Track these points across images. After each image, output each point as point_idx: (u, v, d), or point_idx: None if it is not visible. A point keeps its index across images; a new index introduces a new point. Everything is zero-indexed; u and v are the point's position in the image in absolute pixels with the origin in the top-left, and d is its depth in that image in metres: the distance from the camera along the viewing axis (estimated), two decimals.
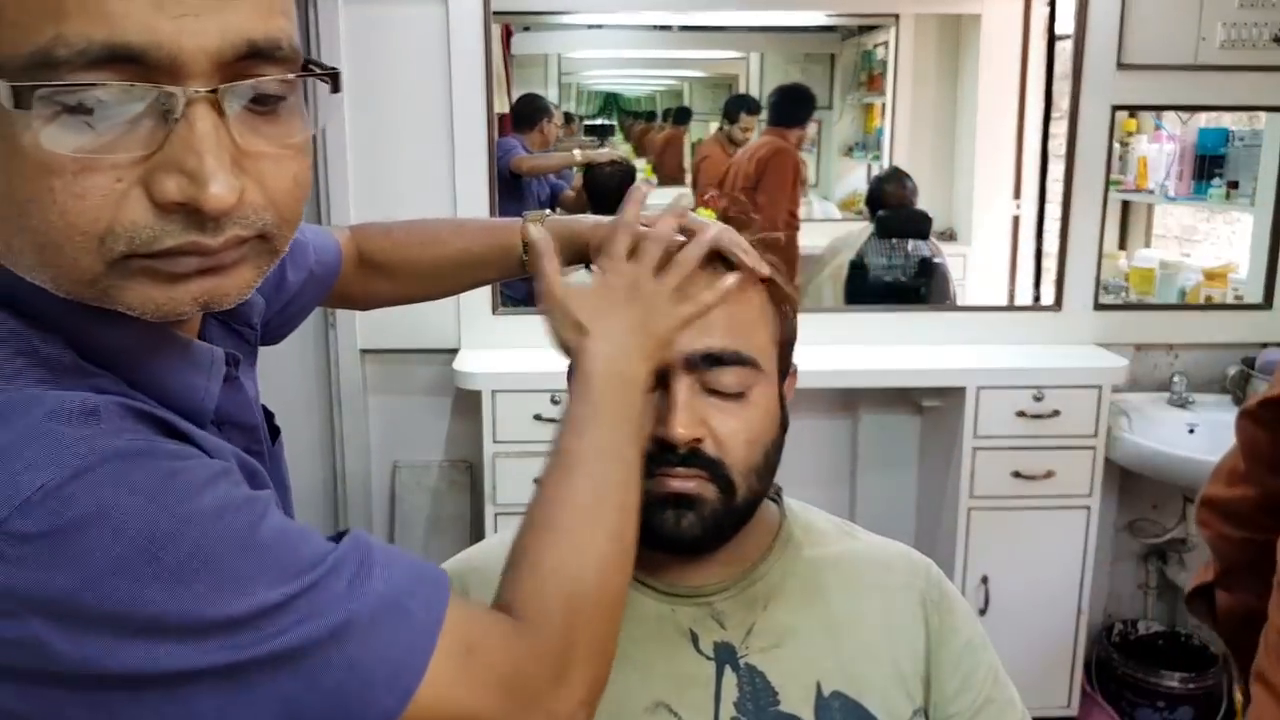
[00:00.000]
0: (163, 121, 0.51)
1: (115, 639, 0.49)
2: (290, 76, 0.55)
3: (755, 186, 3.04)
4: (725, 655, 0.84)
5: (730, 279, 0.80)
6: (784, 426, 0.86)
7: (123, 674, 0.49)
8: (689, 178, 3.44)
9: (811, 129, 3.45)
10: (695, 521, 0.80)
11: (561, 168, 3.13)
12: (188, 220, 0.52)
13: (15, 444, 0.50)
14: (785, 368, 0.87)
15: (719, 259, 0.82)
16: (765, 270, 0.83)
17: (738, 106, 3.31)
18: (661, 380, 0.79)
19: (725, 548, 0.85)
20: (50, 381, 0.54)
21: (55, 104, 0.49)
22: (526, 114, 3.04)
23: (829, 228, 3.20)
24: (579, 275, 0.86)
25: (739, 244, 0.83)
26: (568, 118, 3.45)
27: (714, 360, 0.79)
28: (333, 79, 0.59)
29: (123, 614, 0.49)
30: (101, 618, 0.48)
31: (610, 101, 3.70)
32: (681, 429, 0.78)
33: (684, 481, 0.79)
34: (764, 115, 3.18)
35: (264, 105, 0.55)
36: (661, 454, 0.79)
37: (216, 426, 0.65)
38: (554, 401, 2.20)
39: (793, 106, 3.11)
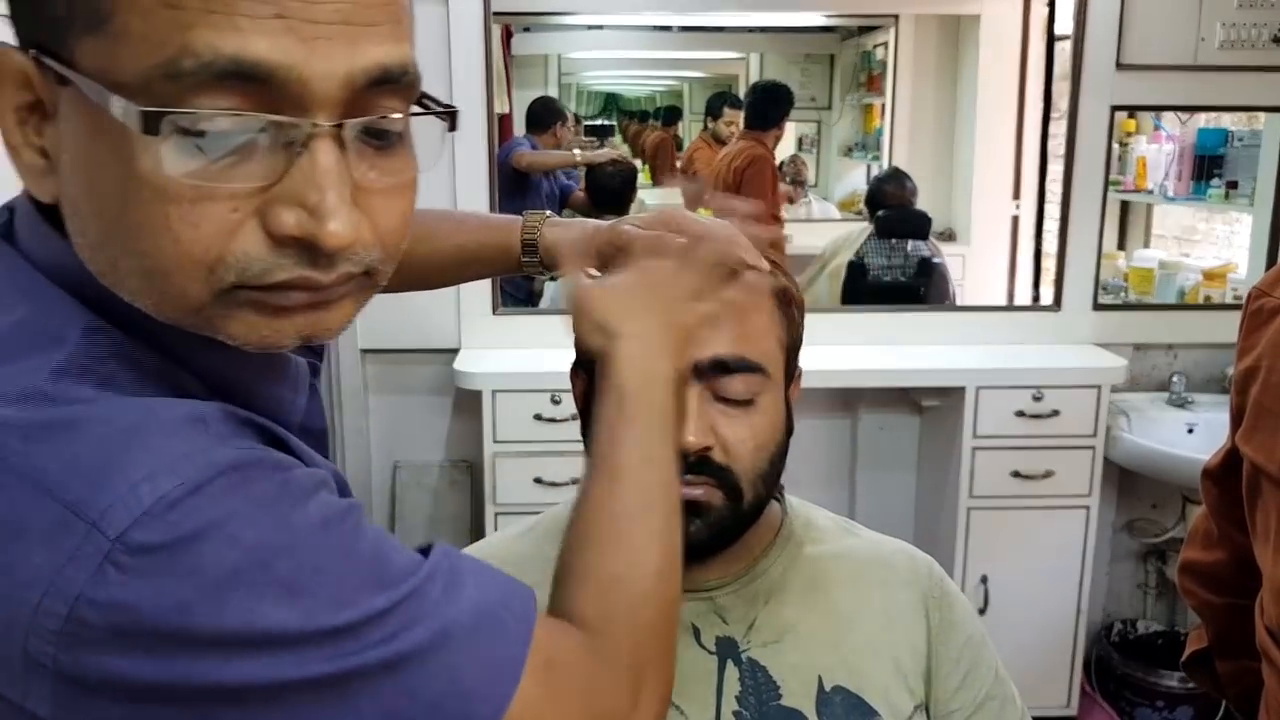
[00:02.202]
0: (283, 151, 0.49)
1: (228, 650, 0.48)
2: (415, 112, 0.54)
3: (735, 194, 3.05)
4: (727, 650, 0.85)
5: (751, 276, 0.79)
6: (790, 430, 0.86)
7: (233, 686, 0.48)
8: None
9: (810, 129, 3.45)
10: (702, 528, 0.80)
11: (560, 166, 3.13)
12: (301, 254, 0.50)
13: (131, 453, 0.48)
14: (791, 371, 0.87)
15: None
16: (765, 267, 0.83)
17: (720, 102, 3.32)
18: None
19: (721, 551, 0.86)
20: (141, 384, 0.53)
21: (173, 126, 0.47)
22: (541, 116, 3.06)
23: (828, 228, 3.21)
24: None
25: (747, 245, 0.82)
26: (575, 120, 3.46)
27: (723, 368, 0.80)
28: (450, 117, 0.56)
29: (238, 626, 0.48)
30: (216, 629, 0.47)
31: (610, 102, 3.71)
32: (691, 437, 0.78)
33: (692, 489, 0.79)
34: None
35: (381, 140, 0.53)
36: None
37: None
38: (554, 401, 2.20)
39: (767, 107, 3.12)
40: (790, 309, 0.86)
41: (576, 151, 3.12)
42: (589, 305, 0.73)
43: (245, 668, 0.48)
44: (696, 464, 0.79)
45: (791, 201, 3.38)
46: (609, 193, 2.98)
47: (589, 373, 0.84)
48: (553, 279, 3.16)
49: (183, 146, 0.47)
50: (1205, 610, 1.16)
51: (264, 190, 0.49)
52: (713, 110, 3.34)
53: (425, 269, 0.94)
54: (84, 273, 0.53)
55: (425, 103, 0.55)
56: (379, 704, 0.51)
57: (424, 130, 0.56)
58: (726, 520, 0.81)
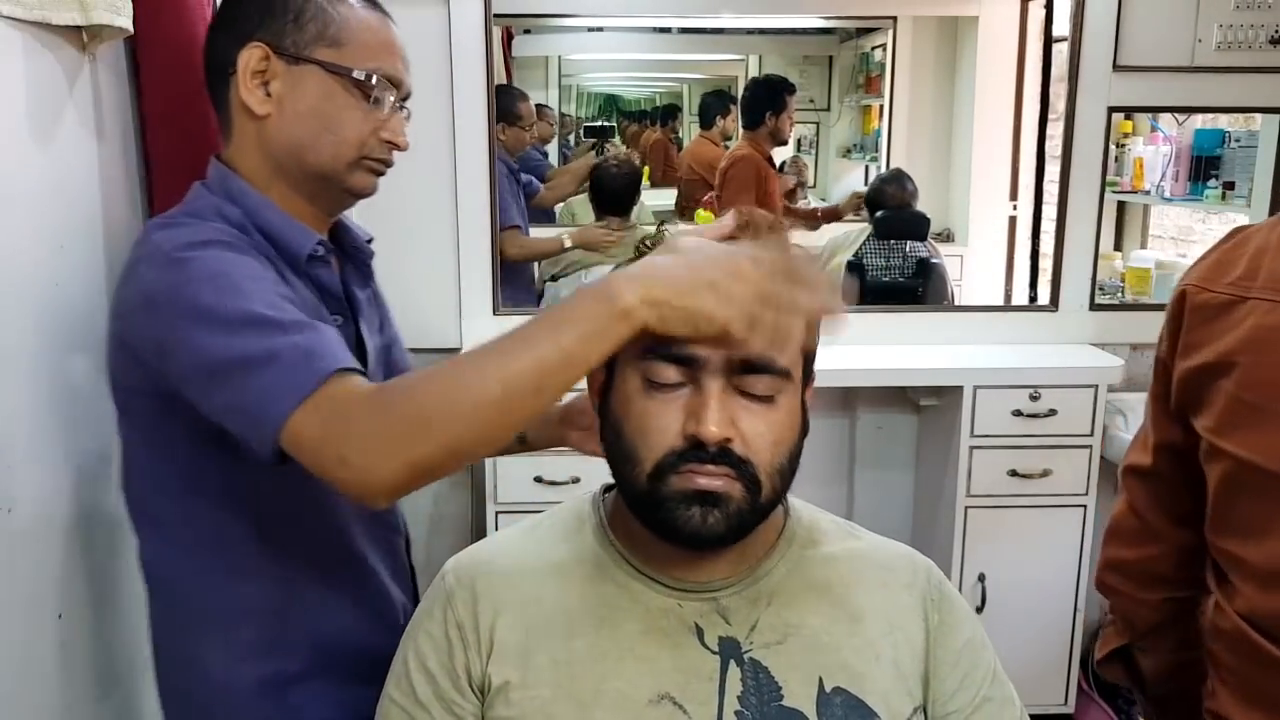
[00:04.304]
0: (397, 112, 1.08)
1: (194, 323, 0.87)
2: None
3: (719, 198, 3.06)
4: (730, 650, 0.86)
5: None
6: (805, 432, 0.87)
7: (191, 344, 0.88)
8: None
9: (809, 130, 3.46)
10: (720, 519, 0.81)
11: (545, 256, 2.90)
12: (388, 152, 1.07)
13: (189, 232, 0.95)
14: (808, 375, 0.88)
15: None
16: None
17: (723, 101, 3.33)
18: (694, 379, 0.81)
19: (733, 545, 0.86)
20: (216, 221, 0.98)
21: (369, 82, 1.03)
22: (503, 111, 2.69)
23: (826, 228, 3.22)
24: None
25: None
26: (563, 119, 3.45)
27: (750, 368, 0.80)
28: None
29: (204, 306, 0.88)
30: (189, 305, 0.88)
31: (610, 103, 3.72)
32: (714, 427, 0.79)
33: (712, 479, 0.80)
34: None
35: None
36: (692, 450, 0.80)
37: (310, 279, 1.04)
38: None
39: (752, 105, 3.12)
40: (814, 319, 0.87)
41: (566, 239, 2.84)
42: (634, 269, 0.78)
43: (197, 336, 0.87)
44: (717, 455, 0.80)
45: (792, 201, 3.39)
46: (613, 193, 2.96)
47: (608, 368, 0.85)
48: (553, 279, 3.16)
49: (359, 99, 1.02)
50: (1135, 607, 1.17)
51: (381, 123, 1.04)
52: (718, 110, 3.34)
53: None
54: (227, 183, 1.02)
55: None
56: (224, 394, 0.87)
57: None
58: (745, 512, 0.82)
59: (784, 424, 0.83)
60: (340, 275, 1.10)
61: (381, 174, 1.07)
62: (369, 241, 1.16)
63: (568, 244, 2.82)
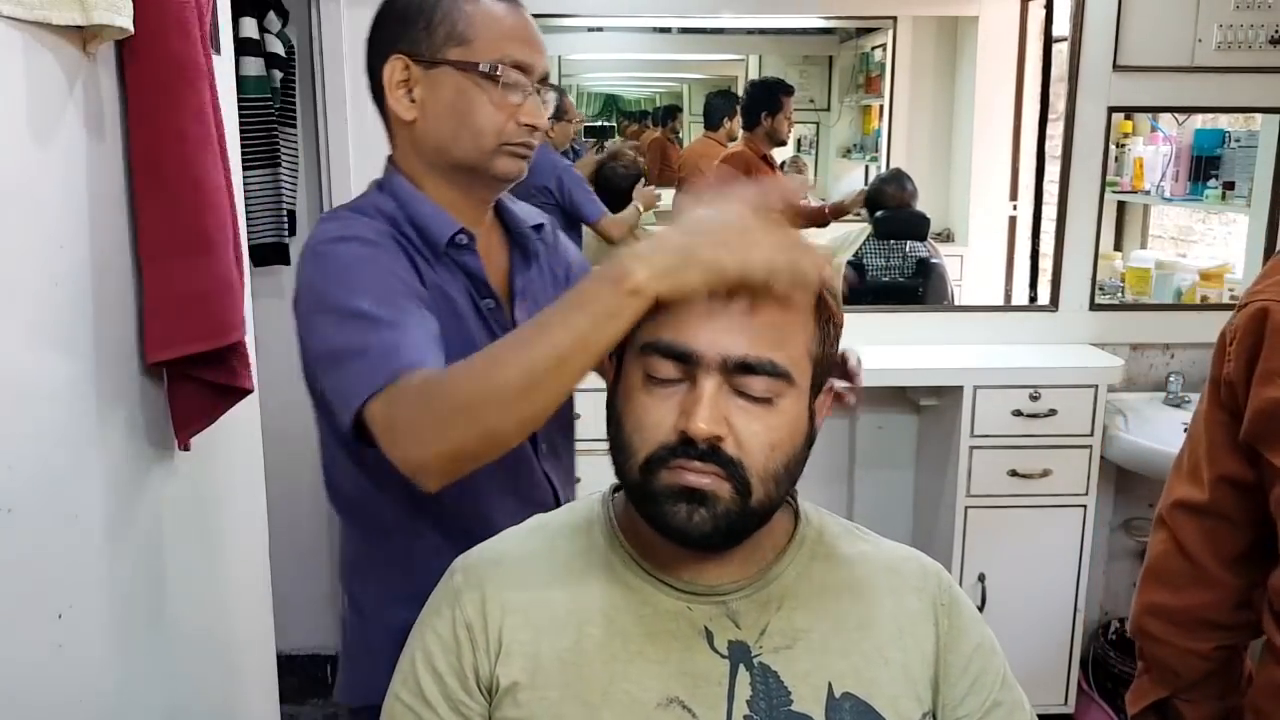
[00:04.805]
0: (535, 94, 1.14)
1: (316, 313, 1.02)
2: None
3: None
4: (739, 654, 0.85)
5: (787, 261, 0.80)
6: (810, 441, 0.86)
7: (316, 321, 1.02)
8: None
9: (809, 130, 3.46)
10: (706, 518, 0.80)
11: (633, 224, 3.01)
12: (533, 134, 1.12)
13: (338, 226, 1.07)
14: (820, 384, 0.87)
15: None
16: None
17: (726, 101, 3.33)
18: (691, 376, 0.80)
19: (741, 548, 0.86)
20: (371, 215, 1.10)
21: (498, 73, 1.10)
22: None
23: (827, 227, 3.21)
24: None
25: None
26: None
27: (746, 368, 0.80)
28: None
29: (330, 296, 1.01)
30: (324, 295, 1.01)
31: (610, 103, 3.71)
32: (703, 424, 0.78)
33: (699, 476, 0.80)
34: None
35: None
36: (681, 446, 0.80)
37: (455, 263, 1.12)
38: None
39: (749, 106, 3.13)
40: (827, 326, 0.86)
41: (637, 205, 2.99)
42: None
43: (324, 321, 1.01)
44: (707, 453, 0.79)
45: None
46: (616, 192, 2.98)
47: (621, 344, 0.85)
48: None
49: (491, 89, 1.09)
50: (1183, 657, 1.06)
51: (516, 108, 1.10)
52: (724, 111, 3.34)
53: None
54: (390, 180, 1.15)
55: None
56: (326, 378, 1.00)
57: None
58: (733, 514, 0.81)
59: (783, 428, 0.82)
60: (509, 259, 1.20)
61: (525, 157, 1.13)
62: (537, 227, 1.23)
63: (641, 207, 2.97)
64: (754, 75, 3.43)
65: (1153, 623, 1.08)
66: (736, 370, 0.80)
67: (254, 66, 2.26)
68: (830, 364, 0.87)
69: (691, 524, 0.81)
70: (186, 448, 1.34)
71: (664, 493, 0.81)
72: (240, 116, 1.71)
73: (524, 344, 0.86)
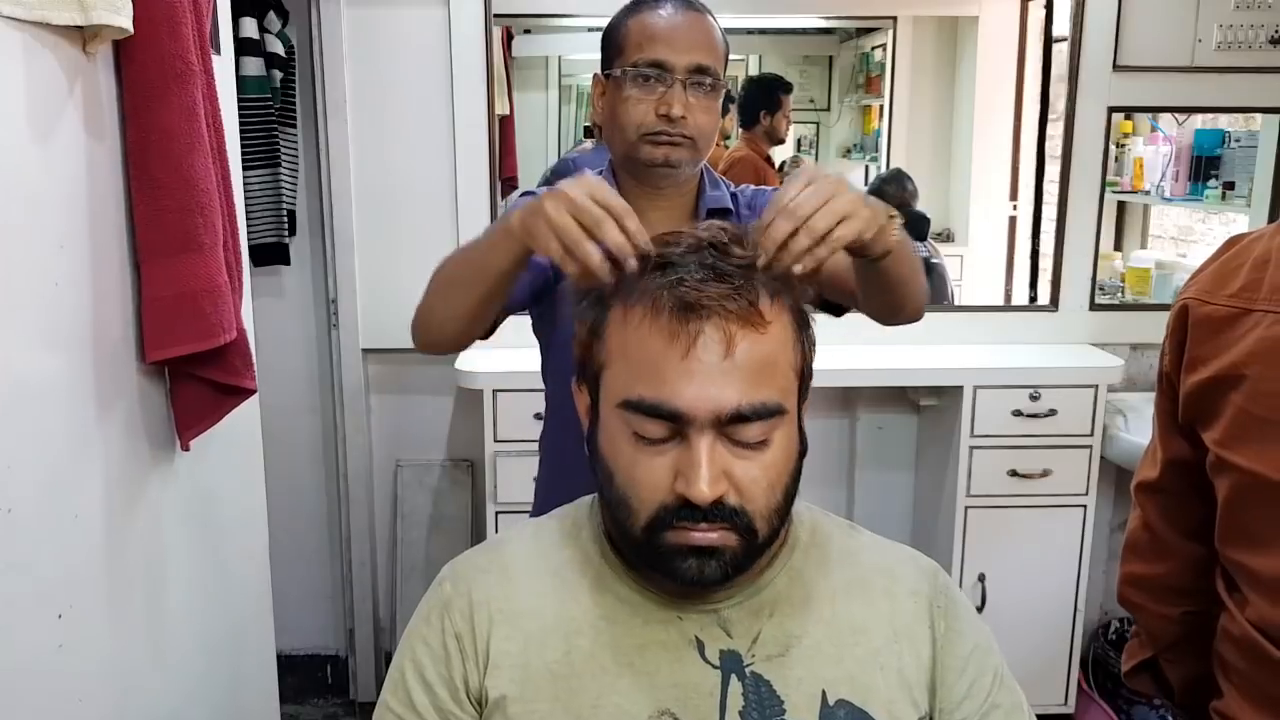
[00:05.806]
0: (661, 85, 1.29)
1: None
2: None
3: None
4: (731, 664, 0.84)
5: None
6: (803, 452, 0.85)
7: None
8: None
9: (809, 130, 3.46)
10: (717, 567, 0.80)
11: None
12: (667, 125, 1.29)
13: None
14: (804, 395, 0.86)
15: (710, 247, 0.82)
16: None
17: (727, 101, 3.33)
18: (682, 434, 0.78)
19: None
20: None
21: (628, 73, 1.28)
22: None
23: None
24: None
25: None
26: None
27: (740, 418, 0.78)
28: None
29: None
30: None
31: None
32: (706, 489, 0.77)
33: (707, 534, 0.79)
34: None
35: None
36: (684, 509, 0.78)
37: None
38: None
39: (746, 104, 3.12)
40: (806, 332, 0.85)
41: None
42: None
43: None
44: (711, 512, 0.78)
45: None
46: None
47: (593, 386, 0.85)
48: None
49: (627, 89, 1.27)
50: (1157, 621, 1.16)
51: (656, 101, 1.26)
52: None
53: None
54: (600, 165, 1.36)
55: None
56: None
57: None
58: (740, 558, 0.81)
59: (779, 462, 0.81)
60: None
61: (665, 143, 1.27)
62: (722, 211, 1.36)
63: None
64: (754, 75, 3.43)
65: (1131, 591, 1.19)
66: (730, 422, 0.78)
67: (254, 66, 2.26)
68: (811, 371, 0.86)
69: (704, 575, 0.80)
70: (187, 448, 1.34)
71: (671, 551, 0.80)
72: (240, 116, 1.71)
73: (453, 255, 1.16)
